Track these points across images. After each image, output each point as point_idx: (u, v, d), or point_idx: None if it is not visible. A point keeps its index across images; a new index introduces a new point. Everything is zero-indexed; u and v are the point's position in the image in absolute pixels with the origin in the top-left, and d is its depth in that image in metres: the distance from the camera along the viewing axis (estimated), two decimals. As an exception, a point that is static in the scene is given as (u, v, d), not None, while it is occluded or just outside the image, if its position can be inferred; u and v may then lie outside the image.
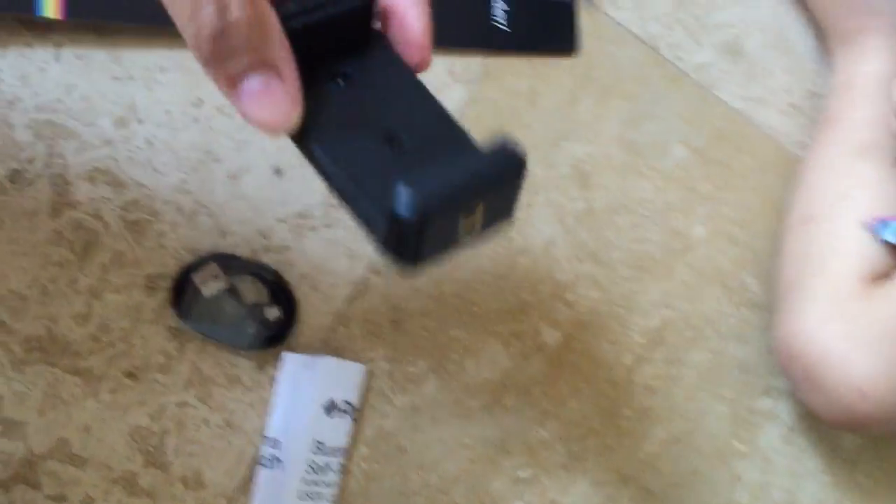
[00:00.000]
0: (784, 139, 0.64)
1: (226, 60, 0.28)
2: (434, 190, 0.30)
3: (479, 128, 0.56)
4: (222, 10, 0.26)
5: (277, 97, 0.29)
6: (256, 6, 0.27)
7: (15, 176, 0.49)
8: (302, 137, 0.32)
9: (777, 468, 0.61)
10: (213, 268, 0.49)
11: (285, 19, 0.30)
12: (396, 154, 0.33)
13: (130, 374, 0.49)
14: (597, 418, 0.58)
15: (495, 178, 0.33)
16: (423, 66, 0.34)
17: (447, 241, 0.32)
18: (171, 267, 0.50)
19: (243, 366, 0.51)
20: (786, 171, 0.63)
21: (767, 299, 0.61)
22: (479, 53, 0.58)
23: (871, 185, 0.56)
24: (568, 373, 0.57)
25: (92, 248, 0.49)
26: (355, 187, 0.32)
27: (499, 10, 0.58)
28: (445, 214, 0.30)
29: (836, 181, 0.57)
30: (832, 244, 0.55)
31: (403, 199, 0.29)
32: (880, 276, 0.53)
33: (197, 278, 0.49)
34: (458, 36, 0.57)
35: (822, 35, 0.63)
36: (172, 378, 0.50)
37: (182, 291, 0.49)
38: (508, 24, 0.58)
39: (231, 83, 0.28)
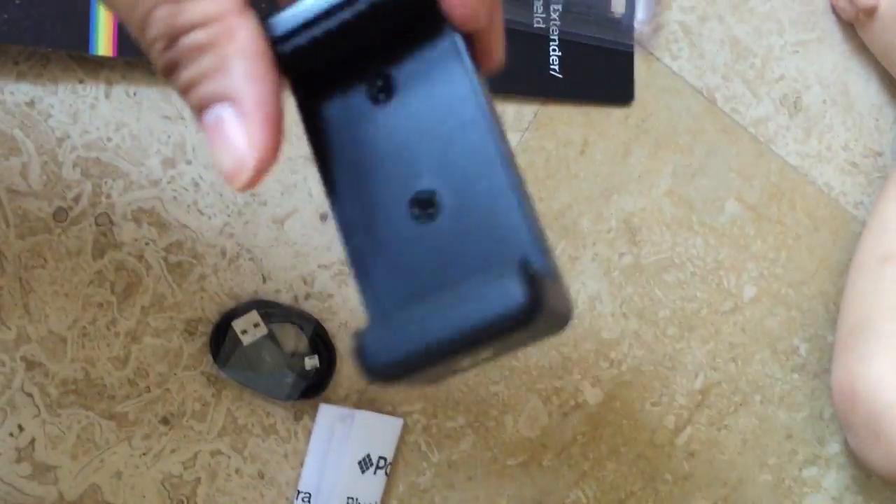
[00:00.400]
0: (841, 198, 0.62)
1: (190, 89, 0.24)
2: (406, 349, 0.23)
3: (529, 176, 0.55)
4: (173, 37, 0.23)
5: (230, 139, 0.23)
6: (215, 23, 0.23)
7: (60, 214, 0.48)
8: (323, 175, 0.26)
9: (820, 541, 0.59)
10: (254, 315, 0.48)
11: (275, 41, 0.25)
12: (416, 235, 0.26)
13: (165, 421, 0.48)
14: (636, 482, 0.56)
15: (492, 331, 0.23)
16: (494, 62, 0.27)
17: (432, 377, 0.26)
18: (212, 311, 0.50)
19: (279, 415, 0.50)
20: (842, 232, 0.61)
21: (818, 365, 0.60)
22: (533, 101, 0.56)
23: None
24: (608, 433, 0.56)
25: (133, 289, 0.49)
26: (354, 269, 0.26)
27: (555, 58, 0.56)
28: (415, 375, 0.24)
29: None
30: None
31: (366, 353, 0.24)
32: None
33: (237, 326, 0.48)
34: (513, 83, 0.56)
35: None
36: (207, 426, 0.49)
37: (221, 339, 0.48)
38: (563, 71, 0.57)
39: (196, 112, 0.24)
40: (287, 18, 0.25)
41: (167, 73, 0.24)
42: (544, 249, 0.25)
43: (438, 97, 0.26)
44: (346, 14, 0.25)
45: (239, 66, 0.23)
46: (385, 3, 0.25)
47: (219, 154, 0.24)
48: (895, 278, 0.53)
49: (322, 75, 0.27)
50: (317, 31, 0.25)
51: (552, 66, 0.56)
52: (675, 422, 0.57)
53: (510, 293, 0.22)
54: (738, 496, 0.58)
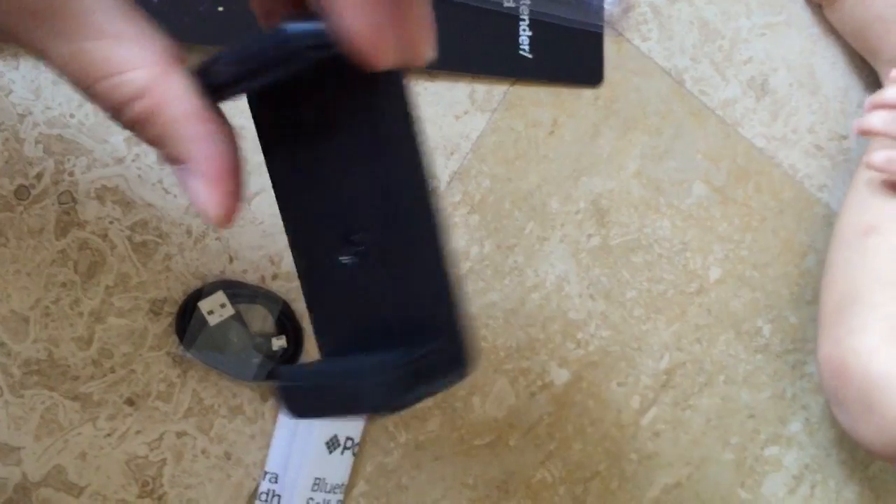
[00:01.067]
0: (806, 181, 0.62)
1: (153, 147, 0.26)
2: (315, 397, 0.26)
3: (498, 157, 0.55)
4: (117, 110, 0.25)
5: (193, 194, 0.25)
6: (147, 94, 0.24)
7: (22, 192, 0.47)
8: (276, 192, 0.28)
9: (780, 518, 0.60)
10: (220, 296, 0.48)
11: (213, 91, 0.26)
12: (340, 271, 0.27)
13: (130, 402, 0.48)
14: (602, 461, 0.57)
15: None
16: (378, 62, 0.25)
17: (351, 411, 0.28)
18: (177, 291, 0.49)
19: (246, 396, 0.50)
20: (806, 214, 0.62)
21: (781, 346, 0.61)
22: (504, 81, 0.56)
23: None
24: (574, 413, 0.57)
25: (97, 269, 0.48)
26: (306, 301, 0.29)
27: (525, 38, 0.56)
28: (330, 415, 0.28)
29: None
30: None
31: (283, 398, 0.27)
32: None
33: (203, 307, 0.48)
34: (484, 63, 0.55)
35: (874, 59, 0.61)
36: (173, 407, 0.49)
37: (187, 319, 0.47)
38: (533, 52, 0.57)
39: (165, 163, 0.26)
40: (221, 69, 0.26)
41: (131, 128, 0.25)
42: (455, 333, 0.27)
43: (367, 137, 0.26)
44: (278, 73, 0.25)
45: (179, 132, 0.25)
46: (306, 68, 0.25)
47: (191, 202, 0.26)
48: (879, 249, 0.54)
49: (270, 96, 0.27)
50: (250, 84, 0.26)
51: (522, 47, 0.56)
52: (640, 402, 0.58)
53: (390, 390, 0.25)
54: (701, 475, 0.59)
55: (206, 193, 0.25)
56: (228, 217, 0.26)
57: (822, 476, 0.62)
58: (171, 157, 0.25)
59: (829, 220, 0.62)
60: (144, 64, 0.24)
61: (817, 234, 0.62)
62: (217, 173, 0.25)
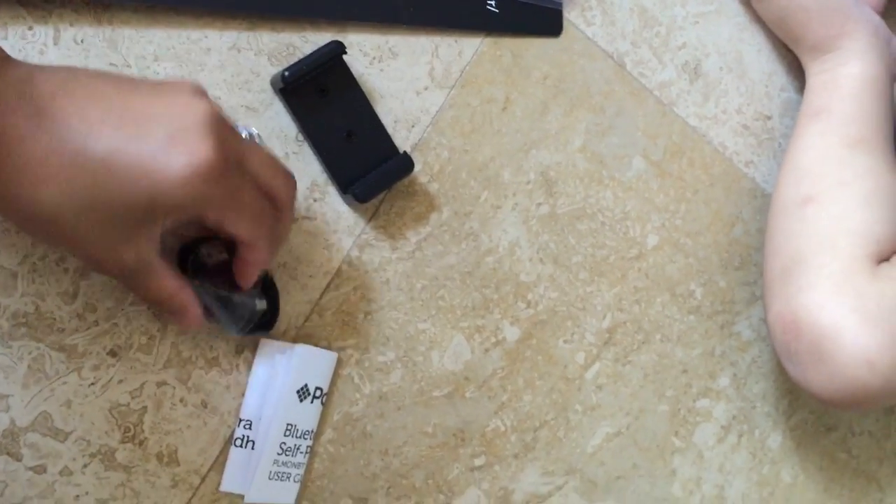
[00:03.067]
0: (734, 157, 0.68)
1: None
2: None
3: (455, 131, 0.59)
4: (149, 301, 0.50)
5: (182, 322, 0.48)
6: (173, 298, 0.47)
7: (7, 155, 0.50)
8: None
9: (710, 464, 0.66)
10: (218, 244, 0.50)
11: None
12: (346, 148, 0.57)
13: (113, 353, 0.51)
14: (549, 412, 0.62)
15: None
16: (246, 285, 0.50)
17: None
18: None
19: (222, 349, 0.53)
20: (734, 187, 0.67)
21: (711, 307, 0.66)
22: (472, 34, 0.60)
23: (868, 174, 0.59)
24: (525, 368, 0.61)
25: (81, 229, 0.51)
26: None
27: None
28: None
29: (835, 168, 0.59)
30: (838, 224, 0.57)
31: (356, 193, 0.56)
32: (881, 258, 0.56)
33: (205, 249, 0.50)
34: (453, 18, 0.59)
35: (796, 46, 0.67)
36: (153, 358, 0.52)
37: (185, 260, 0.50)
38: (500, 7, 0.61)
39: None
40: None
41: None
42: None
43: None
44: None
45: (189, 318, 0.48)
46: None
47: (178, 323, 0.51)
48: (818, 217, 0.58)
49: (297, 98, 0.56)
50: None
51: (489, 2, 0.60)
52: (584, 358, 0.63)
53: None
54: (639, 425, 0.64)
55: (188, 321, 0.48)
56: (199, 324, 0.49)
57: (748, 426, 0.67)
58: (171, 311, 0.48)
59: (754, 193, 0.68)
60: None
61: (744, 205, 0.68)
62: (194, 314, 0.48)
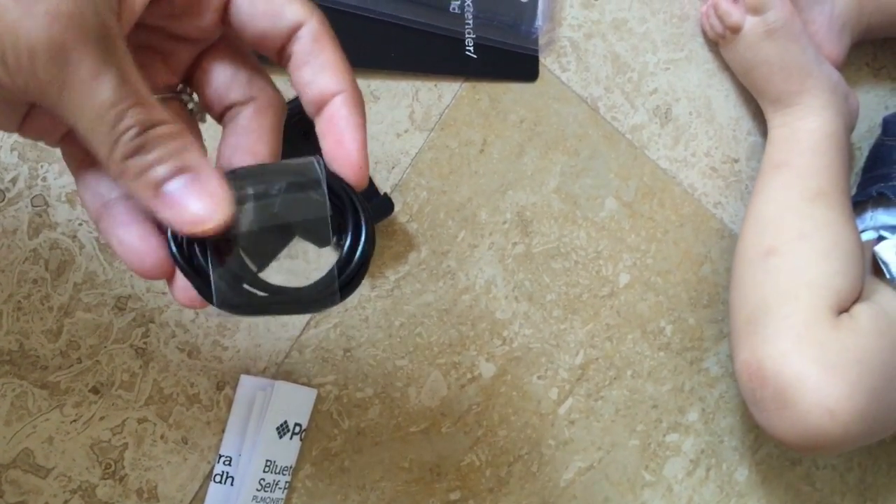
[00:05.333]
0: (703, 199, 0.70)
1: (147, 171, 0.28)
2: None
3: (434, 172, 0.61)
4: (147, 126, 0.27)
5: (199, 196, 0.28)
6: (176, 124, 0.28)
7: (-6, 194, 0.51)
8: None
9: (679, 498, 0.67)
10: None
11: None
12: None
13: (95, 390, 0.52)
14: (524, 446, 0.63)
15: None
16: (360, 184, 0.33)
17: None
18: (140, 289, 0.53)
19: (202, 386, 0.54)
20: (703, 228, 0.69)
21: (681, 344, 0.68)
22: (451, 79, 0.62)
23: (827, 227, 0.61)
24: (500, 403, 0.62)
25: (66, 267, 0.52)
26: None
27: (470, 41, 0.62)
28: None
29: (795, 221, 0.62)
30: (799, 276, 0.59)
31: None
32: (841, 309, 0.58)
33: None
34: (433, 63, 0.61)
35: (759, 97, 0.70)
36: (135, 395, 0.53)
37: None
38: (478, 53, 0.62)
39: (154, 190, 0.28)
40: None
41: (129, 155, 0.28)
42: None
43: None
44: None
45: (197, 149, 0.29)
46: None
47: (184, 212, 0.28)
48: (780, 268, 0.60)
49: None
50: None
51: (468, 48, 0.62)
52: (558, 393, 0.64)
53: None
54: (610, 459, 0.66)
55: (210, 198, 0.28)
56: (225, 221, 0.28)
57: (717, 460, 0.69)
58: (180, 167, 0.28)
59: (722, 234, 0.70)
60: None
61: (713, 245, 0.70)
62: (218, 183, 0.29)
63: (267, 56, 0.33)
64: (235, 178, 0.30)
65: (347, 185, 0.32)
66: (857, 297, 0.60)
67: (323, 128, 0.32)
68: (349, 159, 0.32)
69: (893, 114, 0.74)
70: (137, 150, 0.27)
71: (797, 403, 0.55)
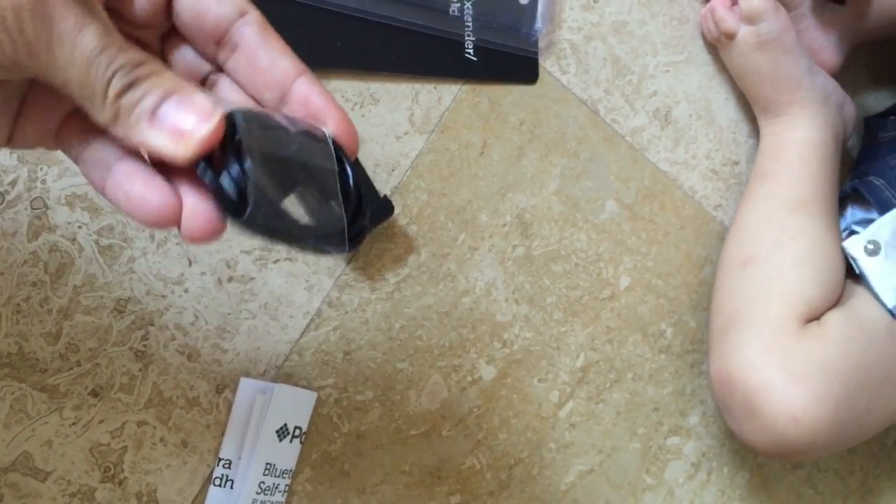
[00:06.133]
0: (703, 201, 0.70)
1: (139, 102, 0.29)
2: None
3: (434, 174, 0.61)
4: (136, 65, 0.29)
5: (188, 112, 0.29)
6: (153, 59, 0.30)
7: (-7, 197, 0.51)
8: None
9: (680, 501, 0.67)
10: None
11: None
12: None
13: (94, 393, 0.51)
14: (524, 450, 0.63)
15: None
16: (356, 147, 0.34)
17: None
18: (140, 292, 0.53)
19: (202, 389, 0.54)
20: (703, 230, 0.69)
21: (681, 347, 0.68)
22: (451, 81, 0.62)
23: (805, 236, 0.61)
24: (500, 406, 0.62)
25: (66, 270, 0.52)
26: None
27: (470, 43, 0.62)
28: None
29: (774, 230, 0.62)
30: (771, 286, 0.60)
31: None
32: (812, 318, 0.59)
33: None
34: (432, 65, 0.61)
35: (752, 104, 0.70)
36: (134, 398, 0.52)
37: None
38: (478, 56, 0.62)
39: (149, 121, 0.29)
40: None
41: (122, 92, 0.29)
42: None
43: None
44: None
45: (179, 77, 0.30)
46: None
47: (180, 130, 0.29)
48: (754, 279, 0.61)
49: None
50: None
51: (468, 51, 0.62)
52: (558, 396, 0.64)
53: None
54: (611, 462, 0.65)
55: (197, 111, 0.29)
56: (217, 136, 0.30)
57: (718, 463, 0.69)
58: (168, 90, 0.29)
59: (722, 236, 0.70)
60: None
61: (713, 248, 0.70)
62: (205, 98, 0.30)
63: (200, 47, 0.33)
64: (252, 115, 0.31)
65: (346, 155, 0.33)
66: (834, 304, 0.60)
67: (297, 109, 0.33)
68: (343, 123, 0.33)
69: (874, 115, 0.74)
70: (129, 87, 0.29)
71: (763, 411, 0.56)
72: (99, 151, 0.31)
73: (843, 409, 0.55)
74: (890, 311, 0.58)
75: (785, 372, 0.56)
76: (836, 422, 0.55)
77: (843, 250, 0.62)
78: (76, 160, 0.32)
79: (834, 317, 0.59)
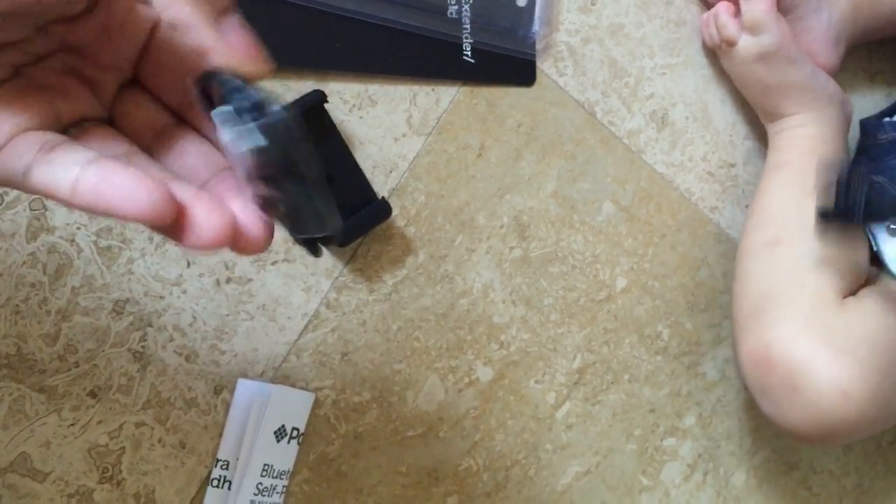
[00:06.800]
0: (700, 203, 0.70)
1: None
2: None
3: (431, 176, 0.61)
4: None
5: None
6: None
7: (-8, 198, 0.51)
8: None
9: (676, 502, 0.67)
10: None
11: None
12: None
13: (93, 394, 0.52)
14: (521, 451, 0.63)
15: None
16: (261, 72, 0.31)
17: None
18: (138, 293, 0.53)
19: (200, 390, 0.54)
20: (700, 232, 0.70)
21: (678, 348, 0.68)
22: (449, 83, 0.62)
23: None
24: (497, 408, 0.62)
25: (64, 271, 0.52)
26: None
27: (468, 45, 0.62)
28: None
29: (798, 212, 0.62)
30: (804, 262, 0.59)
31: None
32: (849, 292, 0.58)
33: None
34: (430, 67, 0.61)
35: (755, 109, 0.70)
36: (132, 399, 0.53)
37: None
38: (476, 57, 0.63)
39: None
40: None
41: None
42: None
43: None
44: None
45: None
46: None
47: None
48: (786, 257, 0.60)
49: None
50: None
51: (465, 53, 0.62)
52: (555, 397, 0.64)
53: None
54: (608, 463, 0.66)
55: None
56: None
57: (714, 465, 0.69)
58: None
59: (719, 238, 0.70)
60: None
61: (710, 250, 0.70)
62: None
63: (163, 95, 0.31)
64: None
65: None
66: (864, 283, 0.60)
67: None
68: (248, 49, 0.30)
69: (869, 117, 0.74)
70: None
71: (807, 387, 0.54)
72: (67, 155, 0.27)
73: (888, 381, 0.54)
74: None
75: (829, 345, 0.54)
76: (881, 395, 0.53)
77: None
78: (29, 171, 0.27)
79: (869, 293, 0.58)
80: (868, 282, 0.61)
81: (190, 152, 0.31)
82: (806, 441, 0.60)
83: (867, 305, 0.57)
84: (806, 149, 0.65)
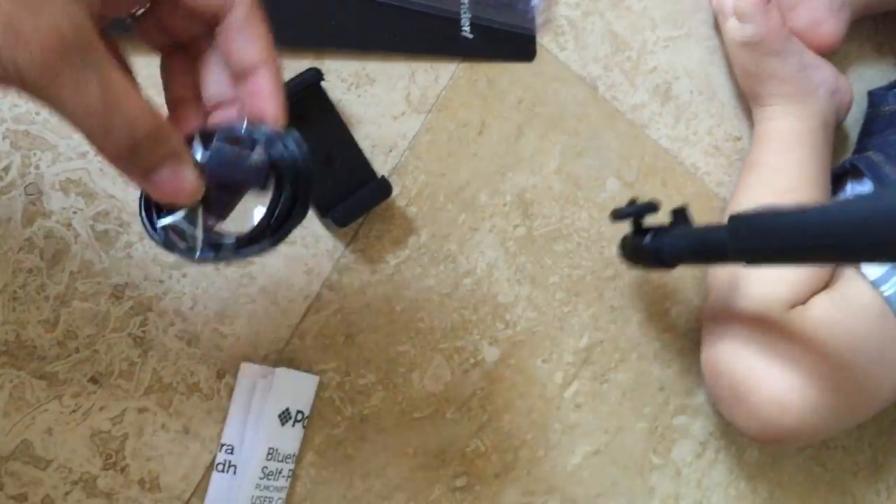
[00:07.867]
0: (706, 178, 0.69)
1: (138, 162, 0.32)
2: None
3: (432, 155, 0.60)
4: (132, 128, 0.30)
5: (184, 177, 0.33)
6: (156, 117, 0.31)
7: (-13, 184, 0.50)
8: None
9: (688, 480, 0.66)
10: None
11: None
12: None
13: (94, 380, 0.51)
14: (529, 431, 0.62)
15: None
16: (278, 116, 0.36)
17: None
18: (138, 277, 0.53)
19: (203, 374, 0.54)
20: (706, 207, 0.69)
21: (686, 325, 0.67)
22: (448, 60, 0.61)
23: None
24: (504, 388, 0.62)
25: (62, 256, 0.51)
26: None
27: (466, 20, 0.61)
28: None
29: None
30: (757, 273, 0.60)
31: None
32: (797, 302, 0.59)
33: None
34: (429, 44, 0.60)
35: (741, 87, 0.69)
36: (134, 384, 0.52)
37: None
38: (474, 33, 0.62)
39: (144, 177, 0.32)
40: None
41: (123, 151, 0.31)
42: None
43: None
44: None
45: (176, 140, 0.33)
46: None
47: (171, 190, 0.33)
48: (746, 272, 0.61)
49: None
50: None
51: (464, 29, 0.61)
52: (563, 377, 0.64)
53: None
54: (617, 442, 0.65)
55: (191, 178, 0.33)
56: (198, 194, 0.34)
57: (725, 442, 0.68)
58: (169, 156, 0.32)
59: (726, 213, 0.69)
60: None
61: (717, 225, 0.69)
62: (193, 166, 0.33)
63: (193, 25, 0.35)
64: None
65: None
66: (821, 288, 0.60)
67: (247, 99, 0.36)
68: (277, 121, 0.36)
69: (878, 87, 0.73)
70: (130, 148, 0.30)
71: (750, 398, 0.56)
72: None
73: (832, 391, 0.55)
74: (873, 284, 0.57)
75: (768, 358, 0.56)
76: (823, 405, 0.55)
77: None
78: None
79: (819, 299, 0.59)
80: (827, 285, 0.60)
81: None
82: (757, 443, 0.61)
83: (814, 315, 0.57)
84: (779, 145, 0.65)
